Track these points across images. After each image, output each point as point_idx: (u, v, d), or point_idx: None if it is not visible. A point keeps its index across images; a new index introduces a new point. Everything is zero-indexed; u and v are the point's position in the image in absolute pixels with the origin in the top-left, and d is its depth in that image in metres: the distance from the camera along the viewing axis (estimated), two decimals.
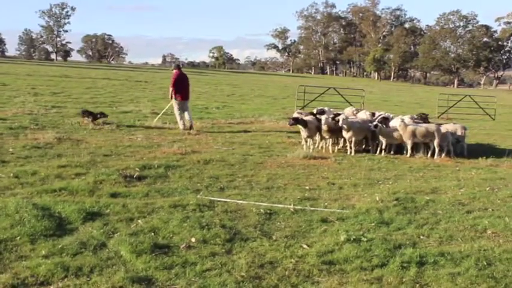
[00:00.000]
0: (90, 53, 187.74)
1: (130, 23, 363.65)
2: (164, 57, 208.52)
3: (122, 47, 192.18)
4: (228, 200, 9.94)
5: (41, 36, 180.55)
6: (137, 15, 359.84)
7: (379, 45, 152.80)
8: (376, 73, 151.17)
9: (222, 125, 22.85)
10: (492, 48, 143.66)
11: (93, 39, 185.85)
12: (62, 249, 7.03)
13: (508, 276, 6.95)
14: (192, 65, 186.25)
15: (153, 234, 7.79)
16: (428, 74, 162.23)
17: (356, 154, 16.49)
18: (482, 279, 6.80)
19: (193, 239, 7.63)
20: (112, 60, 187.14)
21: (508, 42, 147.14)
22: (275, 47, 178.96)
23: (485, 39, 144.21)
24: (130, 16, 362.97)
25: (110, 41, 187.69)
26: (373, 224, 8.92)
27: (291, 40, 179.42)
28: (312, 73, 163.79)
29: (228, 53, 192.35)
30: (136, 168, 12.15)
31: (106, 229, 7.93)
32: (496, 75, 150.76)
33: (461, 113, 35.85)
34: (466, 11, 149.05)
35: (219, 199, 9.97)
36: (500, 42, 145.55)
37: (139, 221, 8.40)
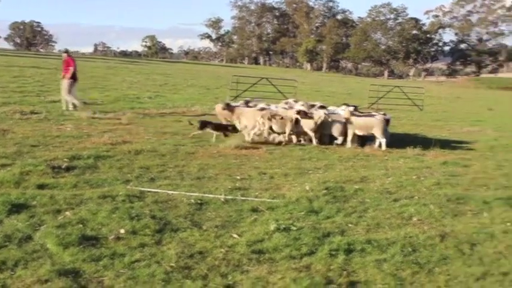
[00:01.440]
0: (18, 41, 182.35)
1: (60, 11, 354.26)
2: (96, 45, 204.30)
3: (51, 34, 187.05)
4: (159, 191, 9.87)
5: None
6: (67, 2, 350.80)
7: (312, 36, 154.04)
8: (309, 64, 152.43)
9: (154, 115, 22.63)
10: (421, 41, 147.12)
11: (21, 27, 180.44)
12: None
13: (432, 261, 7.18)
14: (124, 54, 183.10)
15: (81, 225, 7.65)
16: (359, 65, 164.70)
17: (287, 144, 16.63)
18: (407, 265, 7.01)
19: (122, 230, 7.54)
20: (41, 48, 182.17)
21: (436, 35, 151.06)
22: (209, 36, 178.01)
23: (414, 31, 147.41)
24: (60, 3, 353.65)
25: (39, 29, 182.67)
26: (302, 213, 9.03)
27: (224, 30, 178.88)
28: (246, 63, 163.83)
29: (161, 42, 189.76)
30: (65, 159, 11.90)
31: (32, 221, 7.73)
32: (424, 67, 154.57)
33: (390, 103, 36.64)
34: (396, 3, 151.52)
35: (149, 189, 9.89)
36: (428, 35, 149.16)
37: (67, 212, 8.23)
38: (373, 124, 16.99)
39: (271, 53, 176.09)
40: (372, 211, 9.52)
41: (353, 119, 17.07)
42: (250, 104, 19.18)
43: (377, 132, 16.93)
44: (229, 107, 18.24)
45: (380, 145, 17.09)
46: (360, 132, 17.10)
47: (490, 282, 6.64)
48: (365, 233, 8.28)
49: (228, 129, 17.18)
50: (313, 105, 19.22)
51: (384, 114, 18.70)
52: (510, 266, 7.13)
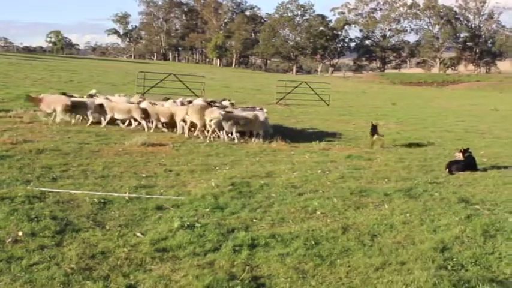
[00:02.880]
0: None
1: None
2: None
3: None
4: (60, 191, 9.62)
5: None
6: None
7: (221, 32, 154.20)
8: (218, 60, 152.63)
9: None
10: (328, 37, 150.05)
11: None
12: None
13: (333, 253, 7.33)
14: (28, 50, 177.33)
15: None
16: (268, 61, 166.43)
17: (195, 140, 16.58)
18: (309, 258, 7.13)
19: (20, 233, 7.29)
20: None
21: (342, 32, 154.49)
22: (116, 32, 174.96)
23: (321, 28, 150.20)
24: None
25: None
26: (208, 210, 9.03)
27: (132, 26, 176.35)
28: (155, 59, 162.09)
29: (66, 37, 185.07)
30: None
31: None
32: (331, 63, 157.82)
33: (298, 99, 37.15)
34: (303, 0, 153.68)
35: (50, 190, 9.61)
36: (335, 31, 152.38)
37: None
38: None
39: (180, 48, 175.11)
40: (277, 206, 9.63)
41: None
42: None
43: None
44: None
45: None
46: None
47: (389, 272, 6.83)
48: (269, 227, 8.36)
49: None
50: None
51: (261, 109, 19.35)
52: (407, 256, 7.37)
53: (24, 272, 6.16)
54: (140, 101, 19.28)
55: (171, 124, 18.54)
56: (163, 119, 18.36)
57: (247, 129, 17.74)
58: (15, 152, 12.75)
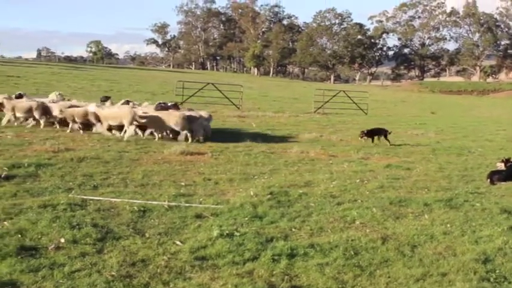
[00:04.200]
0: None
1: (2, 16, 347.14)
2: (39, 51, 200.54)
3: None
4: (101, 198, 9.74)
5: None
6: (8, 6, 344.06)
7: (259, 41, 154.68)
8: (256, 69, 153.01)
9: None
10: (366, 46, 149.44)
11: None
12: None
13: (373, 264, 7.27)
14: (69, 59, 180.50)
15: (19, 236, 7.48)
16: (306, 70, 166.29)
17: (234, 149, 16.64)
18: (349, 268, 7.08)
19: (62, 240, 7.40)
20: None
21: (380, 40, 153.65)
22: (155, 42, 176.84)
23: (359, 36, 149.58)
24: (2, 8, 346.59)
25: None
26: (246, 219, 9.04)
27: (171, 35, 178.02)
28: (193, 68, 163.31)
29: (106, 47, 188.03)
30: (5, 168, 11.61)
31: None
32: (369, 72, 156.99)
33: (336, 108, 37.06)
34: (341, 9, 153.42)
35: (91, 197, 9.74)
36: (373, 40, 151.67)
37: (5, 222, 8.04)
38: (121, 115, 18.02)
39: (218, 58, 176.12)
40: (316, 215, 9.59)
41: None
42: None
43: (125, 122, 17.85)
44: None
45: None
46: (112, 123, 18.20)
47: (429, 283, 6.75)
48: (308, 237, 8.33)
49: None
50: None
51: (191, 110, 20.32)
52: (449, 267, 7.27)
53: (66, 279, 6.24)
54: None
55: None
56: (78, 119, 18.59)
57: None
58: (57, 160, 12.97)
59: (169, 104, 21.35)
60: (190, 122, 18.12)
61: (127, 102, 21.21)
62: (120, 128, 18.01)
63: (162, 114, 18.38)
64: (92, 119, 18.27)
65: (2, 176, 10.95)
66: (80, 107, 19.19)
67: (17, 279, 6.16)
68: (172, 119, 17.92)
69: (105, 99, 22.89)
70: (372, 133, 20.06)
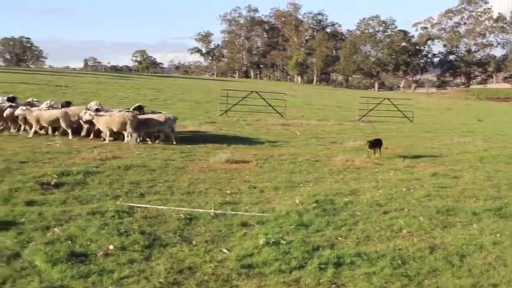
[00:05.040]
0: (8, 57, 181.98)
1: (50, 26, 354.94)
2: (86, 61, 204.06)
3: (41, 50, 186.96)
4: (148, 206, 9.85)
5: None
6: (56, 18, 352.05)
7: (302, 49, 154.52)
8: (299, 77, 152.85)
9: None
10: (410, 53, 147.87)
11: (11, 42, 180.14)
12: None
13: (421, 274, 7.18)
14: (115, 69, 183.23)
15: (69, 242, 7.63)
16: (350, 78, 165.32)
17: (278, 157, 16.65)
18: (396, 277, 7.01)
19: (111, 246, 7.52)
20: (31, 64, 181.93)
21: (425, 47, 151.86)
22: (199, 50, 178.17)
23: (403, 43, 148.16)
24: (49, 19, 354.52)
25: (29, 44, 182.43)
26: (292, 227, 9.03)
27: (214, 44, 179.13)
28: (236, 77, 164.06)
29: (151, 56, 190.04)
30: (54, 175, 11.87)
31: (20, 238, 7.71)
32: (414, 79, 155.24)
33: (380, 115, 36.75)
34: (384, 16, 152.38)
35: (138, 205, 9.87)
36: (417, 47, 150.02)
37: (55, 229, 8.21)
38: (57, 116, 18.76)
39: (261, 66, 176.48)
40: (362, 224, 9.52)
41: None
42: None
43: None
44: None
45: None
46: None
47: None
48: (355, 246, 8.28)
49: None
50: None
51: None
52: (499, 278, 7.14)
53: (115, 285, 6.34)
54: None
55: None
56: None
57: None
58: (104, 168, 13.17)
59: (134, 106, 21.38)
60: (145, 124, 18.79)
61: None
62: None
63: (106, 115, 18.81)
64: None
65: (52, 183, 11.19)
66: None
67: (68, 284, 6.28)
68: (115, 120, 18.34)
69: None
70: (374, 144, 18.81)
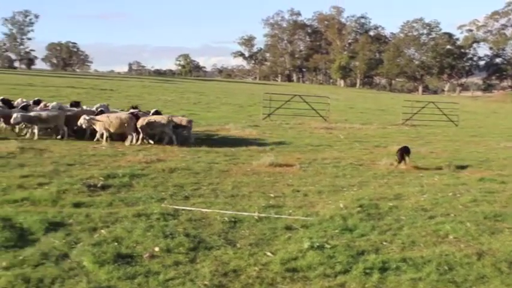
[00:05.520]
0: (55, 61, 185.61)
1: (95, 31, 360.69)
2: (130, 65, 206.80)
3: (87, 55, 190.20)
4: (193, 209, 9.92)
5: (4, 44, 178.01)
6: (102, 23, 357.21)
7: (345, 52, 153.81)
8: (342, 80, 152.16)
9: None
10: (455, 56, 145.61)
11: (58, 47, 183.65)
12: (23, 260, 6.93)
13: (468, 280, 7.06)
14: (159, 73, 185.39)
15: (116, 243, 7.73)
16: (393, 81, 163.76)
17: (322, 161, 16.59)
18: (443, 283, 6.91)
19: (156, 248, 7.59)
20: (77, 68, 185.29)
21: (470, 50, 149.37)
22: (241, 54, 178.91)
23: (448, 46, 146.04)
24: (95, 24, 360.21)
25: (75, 49, 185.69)
26: (336, 231, 8.98)
27: (257, 48, 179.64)
28: (279, 80, 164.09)
29: (194, 60, 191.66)
30: (101, 178, 12.07)
31: (68, 239, 7.85)
32: (459, 82, 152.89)
33: (425, 119, 36.27)
34: (429, 18, 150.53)
35: (183, 208, 9.94)
36: (462, 50, 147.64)
37: (102, 230, 8.33)
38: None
39: (304, 70, 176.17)
40: (407, 229, 9.41)
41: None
42: None
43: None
44: None
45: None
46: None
47: None
48: (400, 251, 8.19)
49: None
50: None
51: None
52: None
53: (161, 287, 6.40)
54: None
55: None
56: None
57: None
58: (149, 171, 13.32)
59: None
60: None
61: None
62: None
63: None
64: None
65: (99, 185, 11.37)
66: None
67: (115, 285, 6.36)
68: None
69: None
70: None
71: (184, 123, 19.72)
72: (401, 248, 8.36)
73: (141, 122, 18.53)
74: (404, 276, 7.08)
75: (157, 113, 20.76)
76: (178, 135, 19.23)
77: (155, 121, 18.87)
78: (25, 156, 14.61)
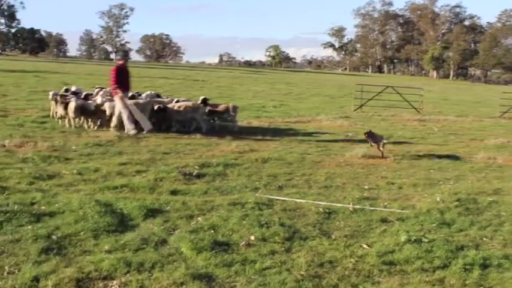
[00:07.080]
0: (149, 53, 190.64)
1: (187, 23, 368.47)
2: (221, 56, 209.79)
3: (179, 46, 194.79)
4: (287, 199, 9.93)
5: (101, 37, 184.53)
6: (193, 14, 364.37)
7: (438, 43, 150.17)
8: (435, 72, 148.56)
9: (279, 123, 22.88)
10: None
11: (151, 39, 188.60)
12: (124, 244, 7.14)
13: None
14: (249, 64, 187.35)
15: (212, 231, 7.85)
16: (489, 73, 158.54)
17: (416, 153, 16.25)
18: None
19: (252, 237, 7.64)
20: (170, 59, 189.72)
21: None
22: (331, 45, 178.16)
23: None
24: (187, 16, 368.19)
25: (168, 41, 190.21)
26: (434, 225, 8.77)
27: (347, 39, 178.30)
28: (369, 72, 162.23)
29: (284, 51, 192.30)
30: (196, 166, 12.28)
31: (166, 226, 8.03)
32: None
33: None
34: None
35: (277, 197, 9.97)
36: None
37: (199, 218, 8.48)
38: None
39: (395, 61, 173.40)
40: (509, 225, 9.04)
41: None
42: None
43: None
44: None
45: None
46: None
47: None
48: (501, 247, 7.89)
49: None
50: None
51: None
52: None
53: (258, 275, 6.43)
54: None
55: None
56: None
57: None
58: (243, 161, 13.45)
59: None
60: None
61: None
62: None
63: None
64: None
65: (194, 174, 11.57)
66: None
67: (212, 272, 6.45)
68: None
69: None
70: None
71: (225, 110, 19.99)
72: (503, 244, 8.05)
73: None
74: (508, 273, 6.80)
75: (204, 100, 20.20)
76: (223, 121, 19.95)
77: (186, 107, 18.80)
78: (123, 145, 15.07)
